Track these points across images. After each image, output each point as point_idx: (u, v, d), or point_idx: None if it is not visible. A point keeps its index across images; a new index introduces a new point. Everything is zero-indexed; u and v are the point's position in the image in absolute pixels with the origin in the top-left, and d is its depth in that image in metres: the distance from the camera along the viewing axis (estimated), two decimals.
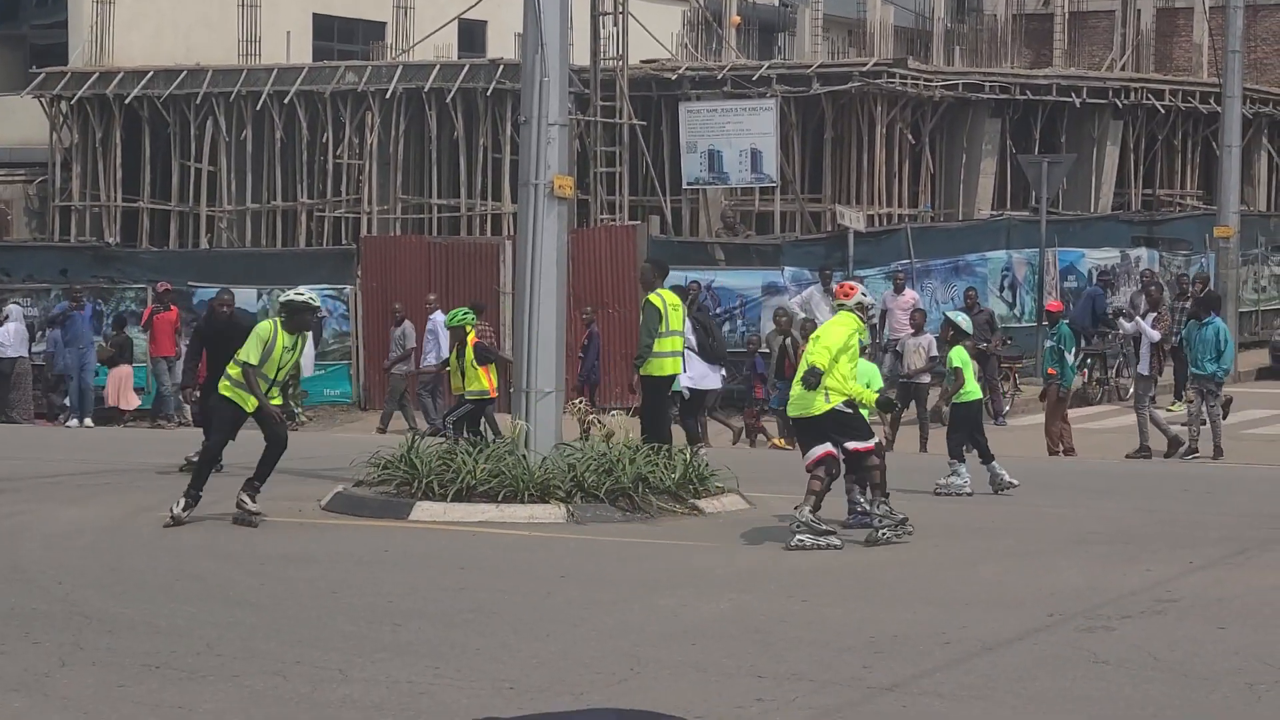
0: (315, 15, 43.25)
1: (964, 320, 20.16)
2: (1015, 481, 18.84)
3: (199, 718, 9.34)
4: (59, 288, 33.20)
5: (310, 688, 9.84)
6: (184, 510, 16.18)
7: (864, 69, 37.46)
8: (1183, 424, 25.02)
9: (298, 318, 16.42)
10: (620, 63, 36.09)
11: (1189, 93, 43.63)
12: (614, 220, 35.17)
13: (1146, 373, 25.54)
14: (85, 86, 38.17)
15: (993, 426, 28.12)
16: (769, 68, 38.32)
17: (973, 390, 19.73)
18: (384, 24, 42.01)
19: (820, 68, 38.55)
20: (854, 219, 33.94)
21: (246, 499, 16.30)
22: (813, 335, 16.41)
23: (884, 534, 15.31)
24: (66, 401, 30.77)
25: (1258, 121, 44.85)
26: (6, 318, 30.83)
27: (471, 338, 21.54)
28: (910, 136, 38.28)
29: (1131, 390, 27.33)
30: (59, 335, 30.73)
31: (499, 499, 16.61)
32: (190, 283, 33.03)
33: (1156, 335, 25.94)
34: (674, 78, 37.64)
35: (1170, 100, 42.74)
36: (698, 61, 40.87)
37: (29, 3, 42.73)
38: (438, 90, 36.87)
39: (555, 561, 14.33)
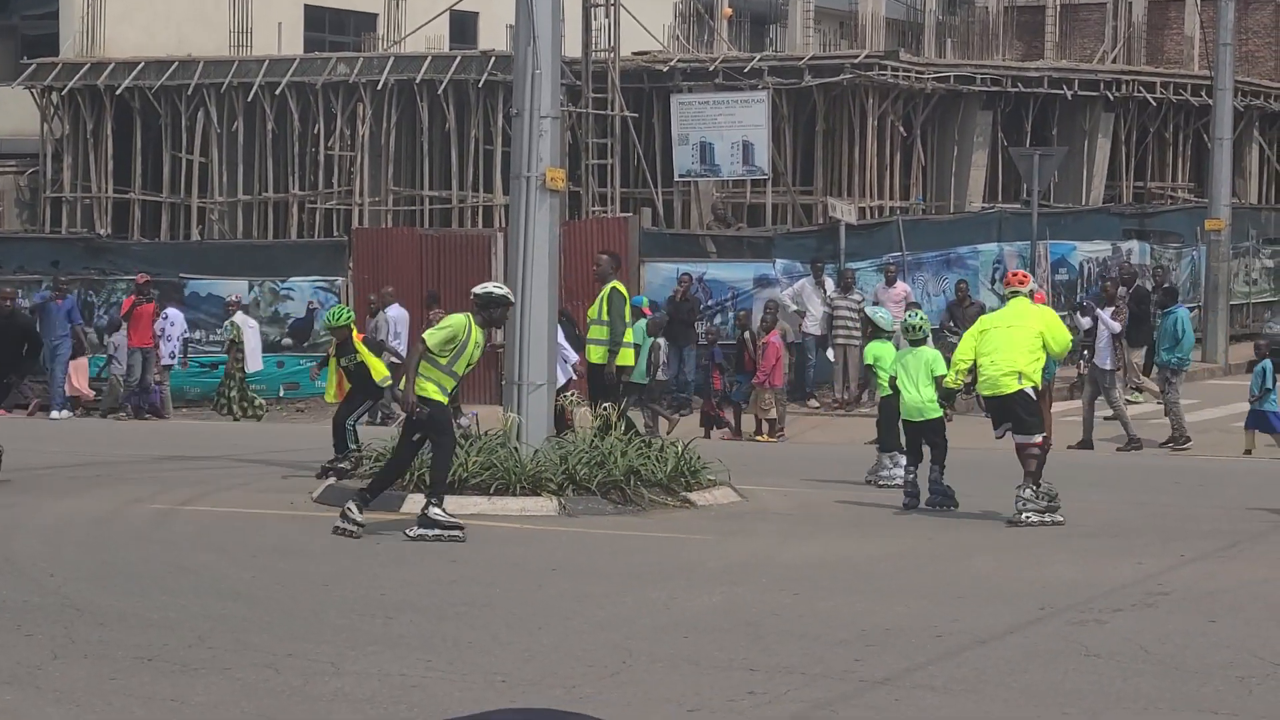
0: (307, 6, 43.18)
1: (883, 316, 20.30)
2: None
3: (191, 710, 9.34)
4: (50, 279, 33.15)
5: (302, 680, 9.84)
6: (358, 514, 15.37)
7: (855, 61, 37.46)
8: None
9: (492, 311, 15.76)
10: (612, 55, 36.06)
11: (1180, 85, 43.65)
12: (605, 212, 35.15)
13: (1110, 366, 25.61)
14: (76, 77, 38.10)
15: (984, 418, 28.21)
16: (760, 60, 38.30)
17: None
18: (375, 15, 41.94)
19: (812, 60, 38.53)
20: (845, 211, 33.96)
21: (354, 509, 15.30)
22: (1043, 330, 16.63)
23: (1027, 517, 15.87)
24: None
25: (1249, 114, 44.87)
26: None
27: (358, 335, 20.18)
28: (902, 129, 38.27)
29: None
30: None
31: (491, 492, 16.61)
32: (182, 274, 32.98)
33: (1117, 326, 26.08)
34: (665, 70, 37.62)
35: (1161, 93, 42.76)
36: (689, 53, 40.83)
37: None
38: (429, 82, 36.82)
39: (547, 554, 14.34)
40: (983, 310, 30.49)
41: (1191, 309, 38.63)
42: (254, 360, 30.65)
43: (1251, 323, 40.60)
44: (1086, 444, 25.23)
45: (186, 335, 31.04)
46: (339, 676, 9.93)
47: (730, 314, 31.00)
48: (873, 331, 19.85)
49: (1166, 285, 30.23)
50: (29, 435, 23.83)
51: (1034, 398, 16.68)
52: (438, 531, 14.91)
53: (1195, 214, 39.24)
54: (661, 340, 27.02)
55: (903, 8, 50.69)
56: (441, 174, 37.68)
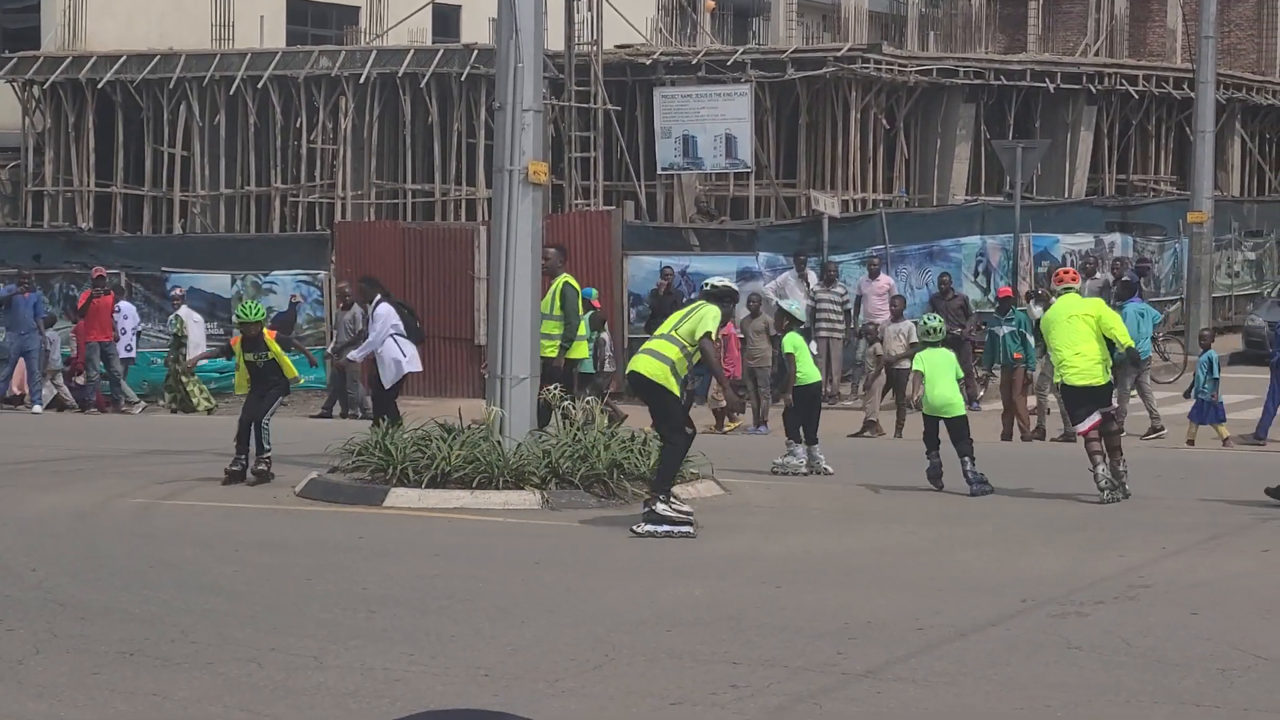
0: (289, 0, 43.15)
1: (797, 309, 21.14)
2: (831, 470, 19.58)
3: (173, 705, 9.33)
4: (31, 272, 33.10)
5: (285, 675, 9.84)
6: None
7: (839, 54, 37.47)
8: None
9: (729, 305, 16.26)
10: (595, 47, 36.05)
11: (1162, 78, 43.71)
12: (589, 205, 35.14)
13: None
14: (58, 71, 38.03)
15: (967, 411, 28.25)
16: (744, 53, 38.29)
17: (810, 373, 20.54)
18: (357, 8, 41.89)
19: (795, 53, 38.54)
20: (829, 204, 33.95)
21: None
22: (1099, 317, 17.87)
23: (1107, 495, 16.93)
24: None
25: (1231, 107, 44.94)
26: None
27: (269, 332, 19.46)
28: (885, 122, 38.30)
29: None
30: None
31: (474, 485, 16.61)
32: (164, 268, 32.94)
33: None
34: (648, 63, 37.61)
35: (1144, 86, 42.81)
36: (672, 46, 40.84)
37: None
38: (412, 75, 36.78)
39: (530, 548, 14.34)
40: (965, 303, 30.62)
41: (1174, 301, 38.76)
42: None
43: (1234, 315, 40.67)
44: (1039, 434, 25.47)
45: (139, 328, 31.06)
46: (322, 671, 9.92)
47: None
48: (788, 324, 20.72)
49: (1125, 279, 30.42)
50: (8, 429, 23.81)
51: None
52: (667, 528, 14.86)
53: (1178, 206, 39.30)
54: (605, 335, 27.07)
55: (885, 1, 50.75)
56: (424, 167, 37.66)
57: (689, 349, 15.54)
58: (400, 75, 36.73)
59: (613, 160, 36.86)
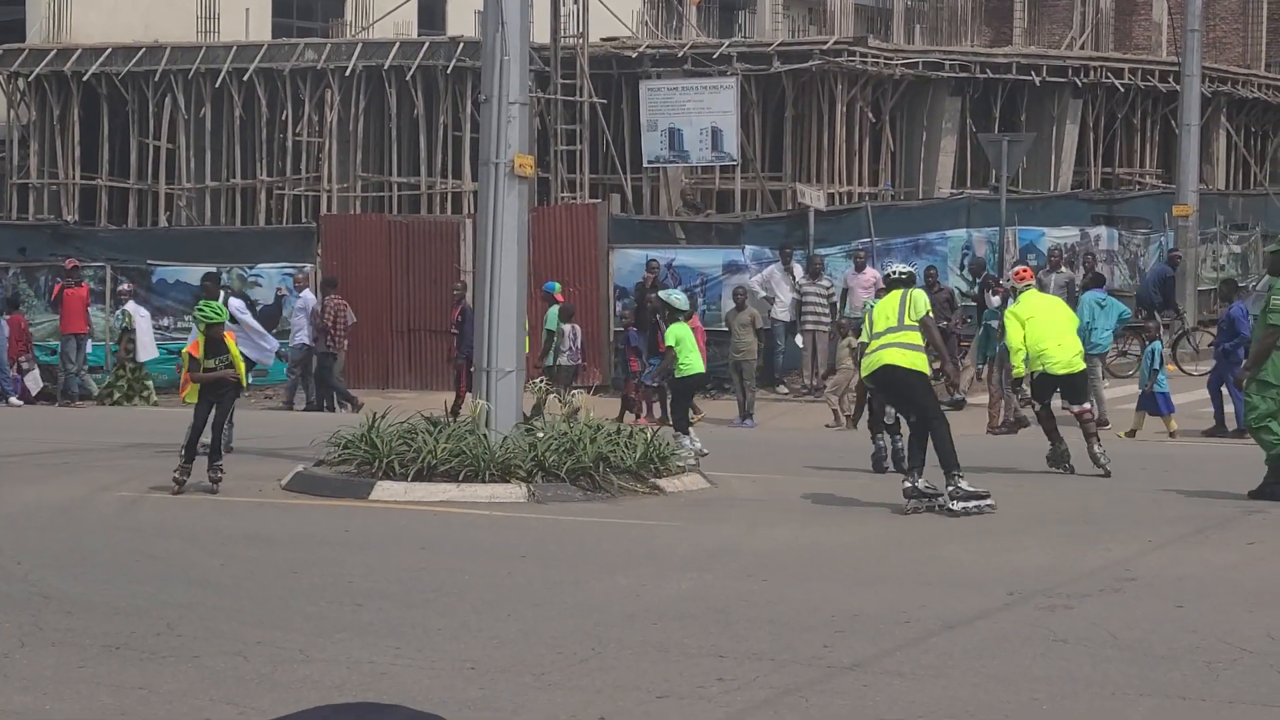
0: None
1: (678, 299, 21.53)
2: (706, 451, 19.81)
3: (159, 699, 9.31)
4: (17, 266, 33.05)
5: (271, 668, 9.83)
6: None
7: (824, 47, 37.48)
8: None
9: (916, 286, 17.09)
10: (581, 40, 36.04)
11: (1148, 71, 43.73)
12: (574, 198, 35.13)
13: None
14: (43, 63, 37.95)
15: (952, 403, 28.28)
16: (729, 46, 38.29)
17: (693, 364, 20.91)
18: (343, 1, 41.87)
19: (781, 46, 38.54)
20: (814, 198, 33.98)
21: None
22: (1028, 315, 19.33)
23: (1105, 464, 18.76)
24: None
25: (1216, 100, 44.98)
26: None
27: (228, 334, 18.26)
28: (871, 115, 38.31)
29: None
30: None
31: (460, 478, 16.61)
32: (149, 261, 32.89)
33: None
34: (634, 56, 37.60)
35: (1130, 79, 42.84)
36: (658, 39, 40.83)
37: None
38: (398, 68, 36.75)
39: (516, 541, 14.33)
40: (952, 296, 30.63)
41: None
42: (146, 349, 30.53)
43: (1218, 308, 40.69)
44: (1007, 427, 25.39)
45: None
46: (308, 664, 9.91)
47: (701, 301, 30.99)
48: (670, 314, 21.25)
49: (1096, 271, 30.53)
50: None
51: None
52: (976, 503, 15.63)
53: (1163, 200, 39.34)
54: (567, 326, 27.08)
55: None
56: (410, 160, 37.63)
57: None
58: (386, 68, 36.68)
59: (598, 153, 36.85)
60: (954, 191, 38.63)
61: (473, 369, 18.97)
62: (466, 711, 9.01)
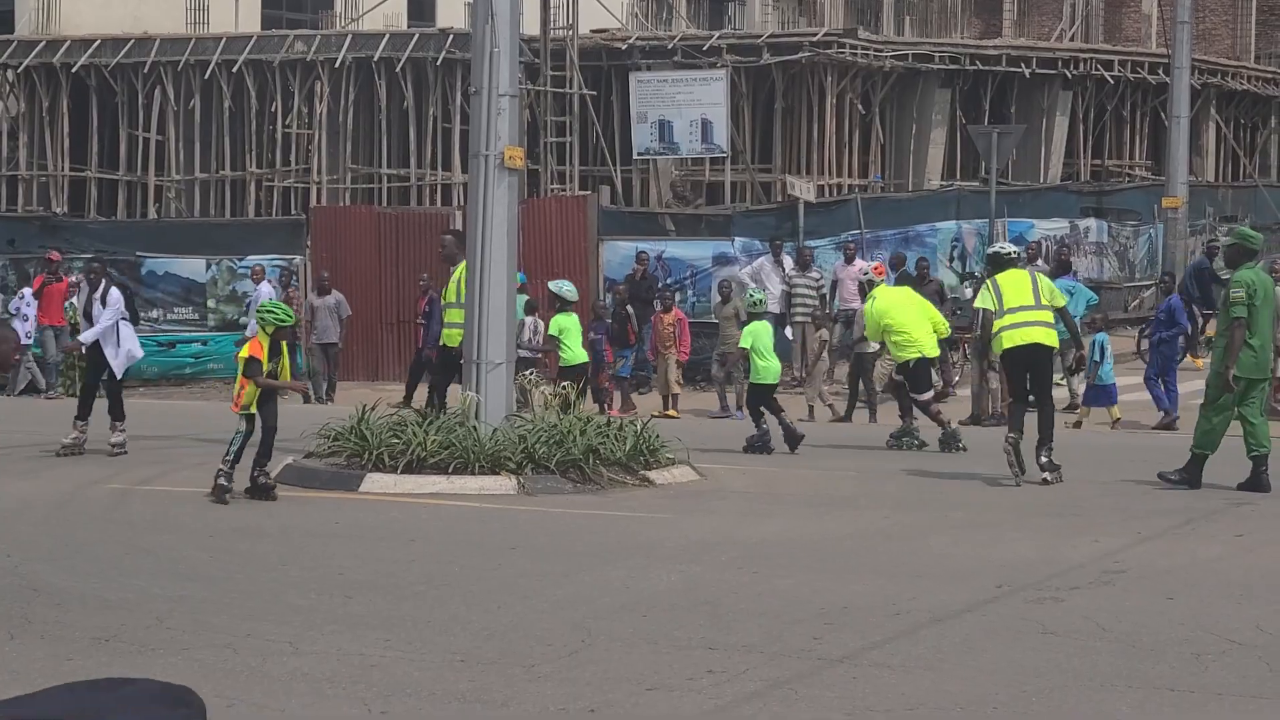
0: None
1: (567, 289, 22.49)
2: None
3: None
4: (5, 258, 33.01)
5: (260, 660, 9.82)
6: None
7: (814, 39, 37.50)
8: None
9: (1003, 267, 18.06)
10: (570, 32, 36.03)
11: (1138, 64, 43.78)
12: (564, 190, 35.13)
13: None
14: (32, 55, 37.90)
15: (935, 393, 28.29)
16: (719, 38, 38.32)
17: (578, 354, 22.17)
18: None
19: (770, 38, 38.56)
20: (804, 189, 33.98)
21: None
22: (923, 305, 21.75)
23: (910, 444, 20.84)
24: None
25: (1206, 93, 45.03)
26: None
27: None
28: (860, 107, 38.34)
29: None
30: None
31: (449, 471, 16.60)
32: (138, 253, 32.86)
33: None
34: (624, 47, 37.60)
35: (1119, 71, 42.88)
36: (648, 31, 40.83)
37: None
38: (387, 60, 36.73)
39: (506, 533, 14.33)
40: (941, 288, 30.63)
41: (1148, 286, 38.80)
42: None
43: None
44: (975, 420, 25.37)
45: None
46: (297, 656, 9.91)
47: (691, 293, 31.02)
48: (560, 306, 22.25)
49: (1062, 259, 30.54)
50: None
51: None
52: (1059, 474, 17.23)
53: (1153, 192, 39.40)
54: (529, 319, 27.08)
55: None
56: (400, 152, 37.62)
57: None
58: (376, 60, 36.67)
59: (588, 145, 36.86)
60: (944, 183, 38.68)
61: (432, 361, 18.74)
62: (456, 704, 9.01)
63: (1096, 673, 9.55)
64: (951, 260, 34.36)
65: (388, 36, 37.36)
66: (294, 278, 30.67)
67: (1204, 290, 32.70)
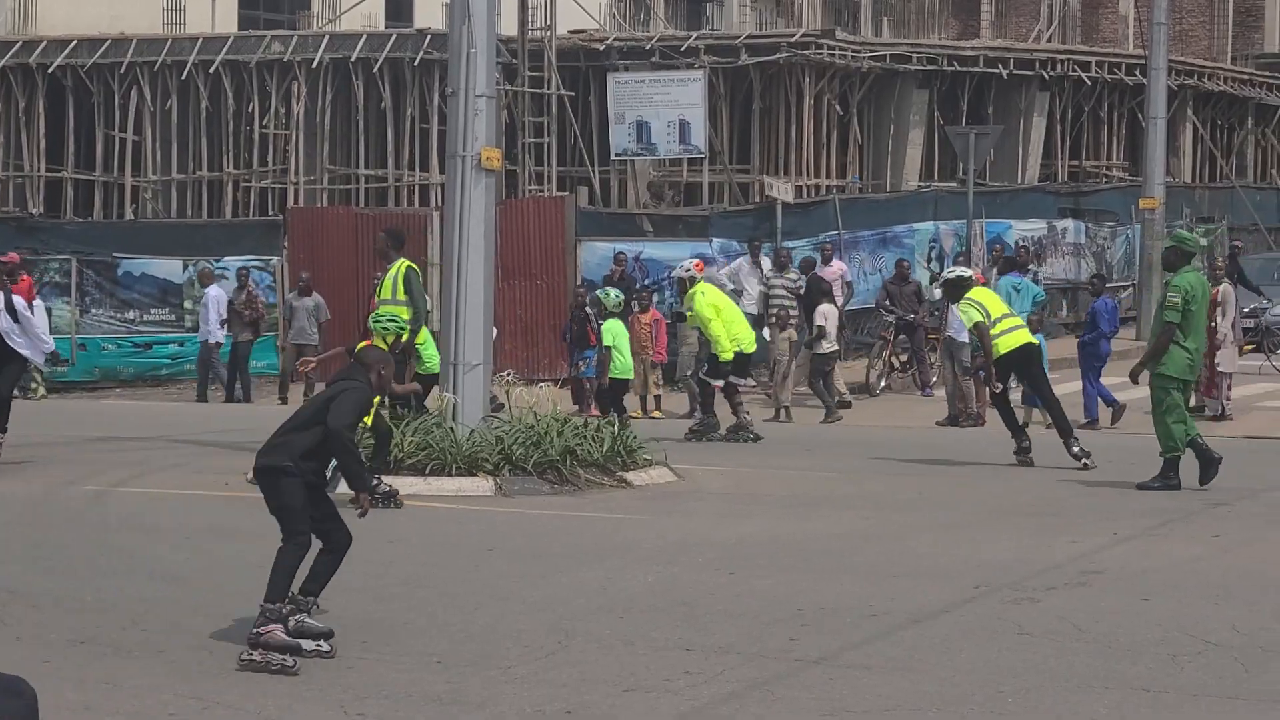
0: None
1: (612, 297, 23.90)
2: None
3: (124, 693, 9.29)
4: None
5: (236, 662, 9.80)
6: None
7: (792, 40, 37.53)
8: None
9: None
10: (548, 33, 36.01)
11: (1115, 65, 43.88)
12: (542, 191, 35.11)
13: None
14: (8, 55, 37.81)
15: (919, 397, 28.34)
16: (697, 38, 38.33)
17: (628, 367, 23.52)
18: None
19: (748, 38, 38.58)
20: (782, 190, 34.01)
21: None
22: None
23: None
24: None
25: (1183, 93, 45.15)
26: None
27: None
28: (838, 107, 38.37)
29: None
30: None
31: (426, 472, 16.58)
32: (115, 254, 32.77)
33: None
34: (602, 48, 37.60)
35: (1096, 72, 42.97)
36: (625, 32, 40.85)
37: None
38: (364, 60, 36.70)
39: (483, 534, 14.32)
40: (919, 289, 30.63)
41: (1125, 287, 38.89)
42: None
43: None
44: (952, 420, 25.21)
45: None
46: None
47: (668, 293, 30.98)
48: (604, 313, 23.66)
49: (1007, 255, 30.47)
50: None
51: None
52: (1086, 460, 18.41)
53: (1130, 193, 39.46)
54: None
55: None
56: (377, 153, 37.59)
57: None
58: (353, 60, 36.63)
59: (566, 146, 36.84)
60: (921, 184, 38.72)
61: None
62: (433, 705, 9.00)
63: (1073, 673, 9.56)
64: (930, 261, 34.38)
65: (365, 37, 37.33)
66: (250, 275, 30.43)
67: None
